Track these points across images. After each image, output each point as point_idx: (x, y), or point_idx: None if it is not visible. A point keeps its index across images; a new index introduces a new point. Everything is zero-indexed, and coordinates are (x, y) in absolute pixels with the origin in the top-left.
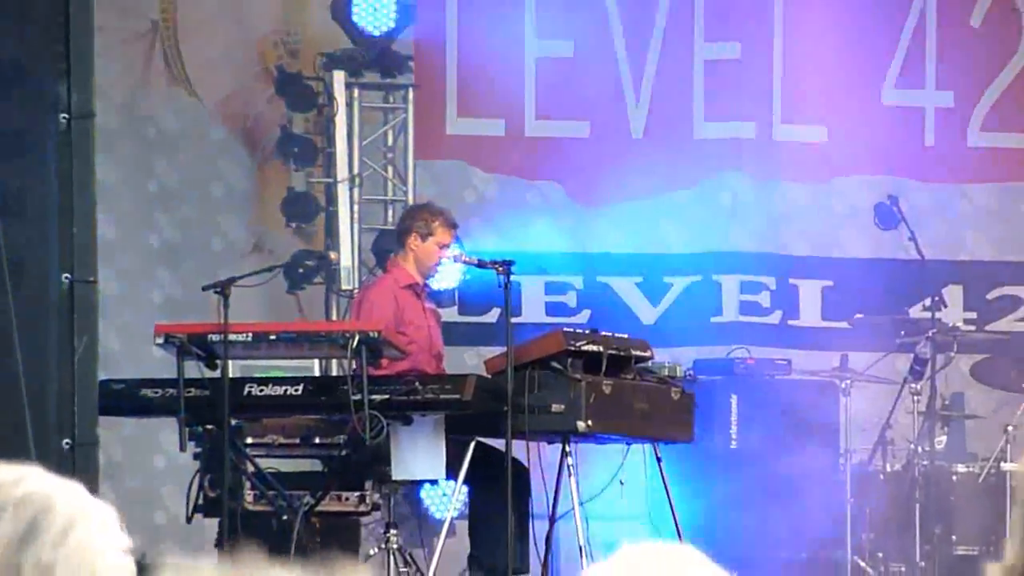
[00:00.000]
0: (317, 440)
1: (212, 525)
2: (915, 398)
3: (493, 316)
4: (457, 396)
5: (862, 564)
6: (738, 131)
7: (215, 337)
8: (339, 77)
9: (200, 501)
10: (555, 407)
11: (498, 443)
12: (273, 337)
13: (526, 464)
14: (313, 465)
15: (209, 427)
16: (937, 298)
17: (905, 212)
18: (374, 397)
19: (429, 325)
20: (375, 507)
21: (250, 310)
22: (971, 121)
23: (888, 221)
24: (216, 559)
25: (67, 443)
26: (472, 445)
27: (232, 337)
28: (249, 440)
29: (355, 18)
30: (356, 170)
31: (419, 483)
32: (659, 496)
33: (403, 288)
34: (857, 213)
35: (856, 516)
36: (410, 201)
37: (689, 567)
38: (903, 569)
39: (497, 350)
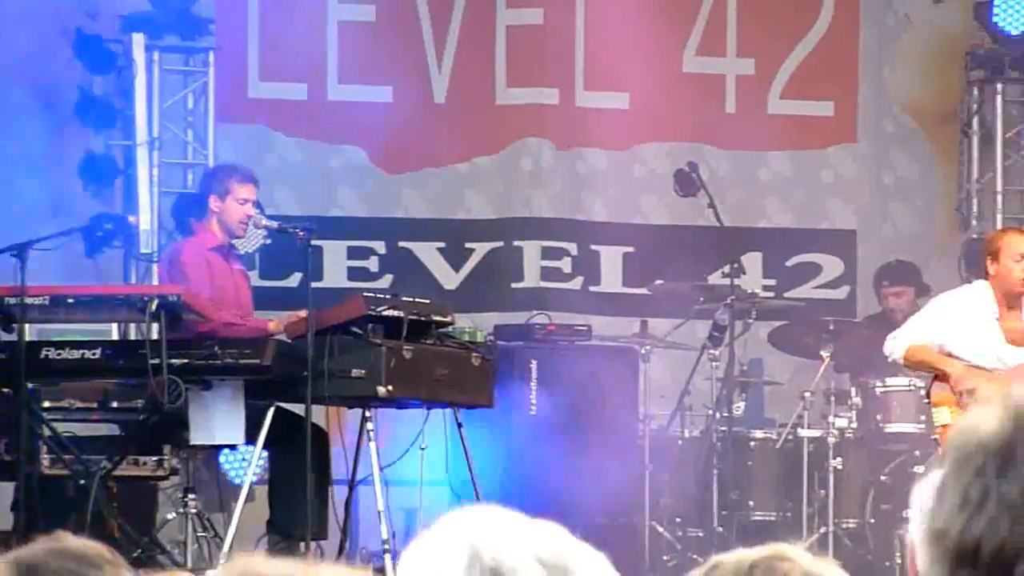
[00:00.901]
0: (115, 404)
1: (8, 489)
2: (714, 364)
3: (294, 281)
4: (257, 361)
5: (660, 529)
6: (540, 97)
7: (12, 300)
8: (139, 39)
9: None
10: (355, 372)
11: (298, 408)
12: (71, 300)
13: (326, 429)
14: (111, 429)
15: (5, 390)
16: (736, 265)
17: (705, 179)
18: (173, 361)
19: (237, 285)
20: (173, 472)
21: (48, 274)
22: (771, 89)
23: (688, 188)
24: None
25: None
26: (272, 410)
27: (29, 300)
28: (46, 404)
29: None
30: (156, 133)
31: (218, 448)
32: (459, 461)
33: (210, 250)
34: (657, 179)
35: (654, 482)
36: (211, 165)
37: (514, 530)
38: (700, 534)
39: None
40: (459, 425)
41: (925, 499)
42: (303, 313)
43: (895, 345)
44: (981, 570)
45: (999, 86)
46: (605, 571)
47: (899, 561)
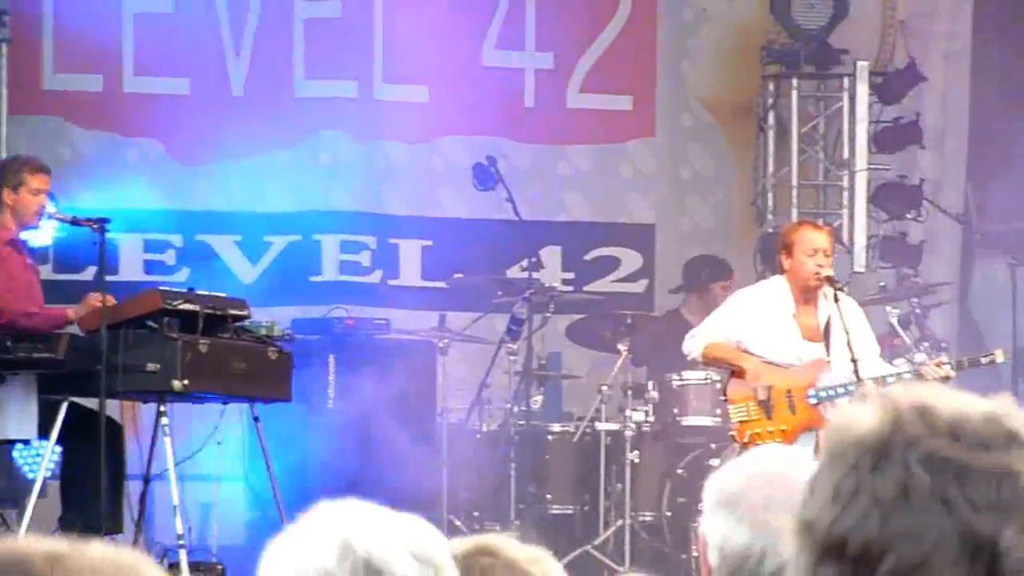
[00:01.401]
0: None
1: None
2: (511, 358)
3: (89, 274)
4: (50, 355)
5: (457, 523)
6: (339, 90)
7: None
8: None
9: None
10: (150, 366)
11: (92, 402)
12: None
13: (121, 423)
14: None
15: None
16: (535, 259)
17: (504, 173)
18: None
19: (30, 281)
20: None
21: None
22: (570, 83)
23: (486, 181)
24: None
25: None
26: (65, 404)
27: None
28: None
29: None
30: None
31: (11, 443)
32: (256, 456)
33: (4, 244)
34: (456, 173)
35: (452, 475)
36: (2, 157)
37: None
38: (498, 528)
39: None
40: (256, 419)
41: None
42: (97, 300)
43: (693, 344)
44: (846, 565)
45: (794, 81)
46: None
47: (695, 554)
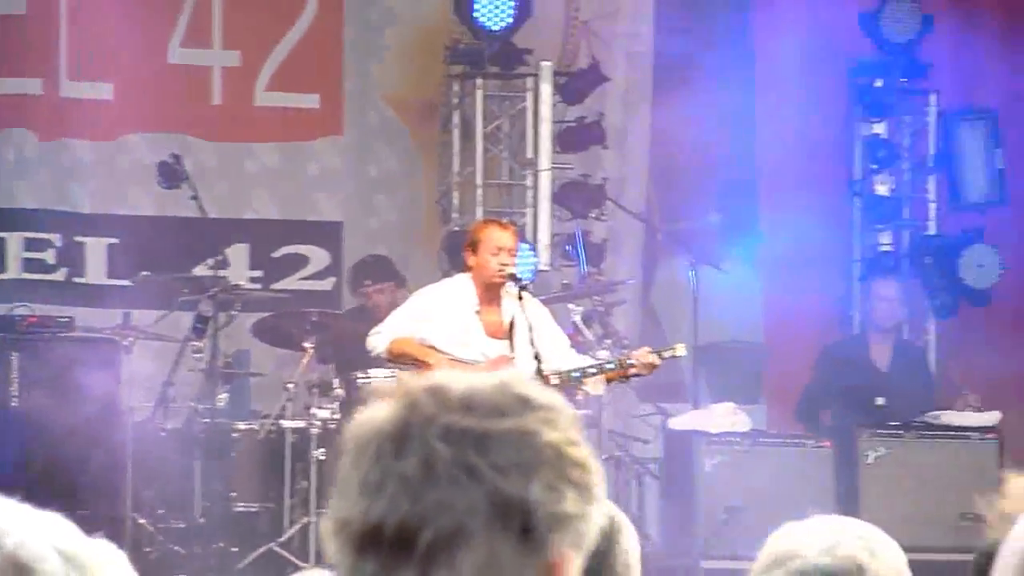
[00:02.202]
0: None
1: None
2: (197, 356)
3: None
4: None
5: (141, 520)
6: (23, 87)
7: None
8: None
9: None
10: None
11: None
12: None
13: None
14: None
15: None
16: (221, 257)
17: (191, 170)
18: None
19: None
20: None
21: None
22: (257, 81)
23: (171, 179)
24: None
25: None
26: None
27: None
28: None
29: None
30: None
31: None
32: None
33: None
34: (143, 171)
35: (137, 473)
36: None
37: None
38: (182, 525)
39: None
40: None
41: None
42: None
43: (378, 340)
44: (385, 550)
45: (479, 81)
46: (121, 565)
47: None
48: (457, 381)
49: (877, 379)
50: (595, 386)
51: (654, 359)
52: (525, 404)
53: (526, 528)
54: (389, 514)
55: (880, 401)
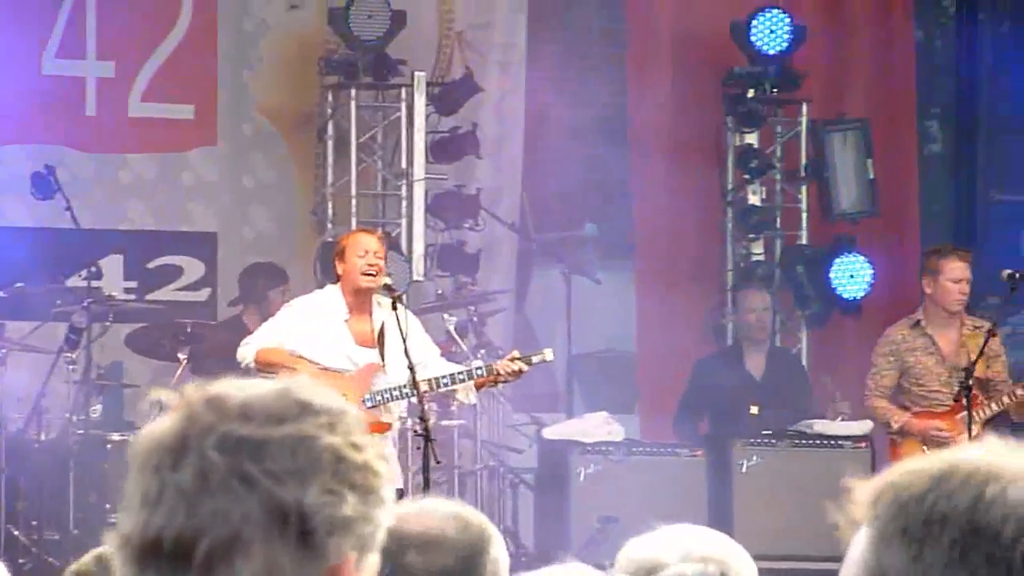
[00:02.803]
0: None
1: None
2: (71, 367)
3: None
4: None
5: (16, 533)
6: None
7: None
8: None
9: None
10: None
11: None
12: None
13: None
14: None
15: None
16: (95, 268)
17: (65, 182)
18: None
19: None
20: None
21: None
22: (132, 91)
23: (45, 190)
24: None
25: None
26: None
27: None
28: None
29: None
30: None
31: None
32: None
33: None
34: (17, 182)
35: (10, 485)
36: None
37: None
38: (57, 537)
39: None
40: None
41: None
42: None
43: (247, 350)
44: (164, 563)
45: (353, 91)
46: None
47: None
48: (237, 390)
49: (752, 388)
50: (466, 394)
51: (521, 365)
52: (304, 409)
53: (304, 533)
54: (167, 526)
55: (754, 410)
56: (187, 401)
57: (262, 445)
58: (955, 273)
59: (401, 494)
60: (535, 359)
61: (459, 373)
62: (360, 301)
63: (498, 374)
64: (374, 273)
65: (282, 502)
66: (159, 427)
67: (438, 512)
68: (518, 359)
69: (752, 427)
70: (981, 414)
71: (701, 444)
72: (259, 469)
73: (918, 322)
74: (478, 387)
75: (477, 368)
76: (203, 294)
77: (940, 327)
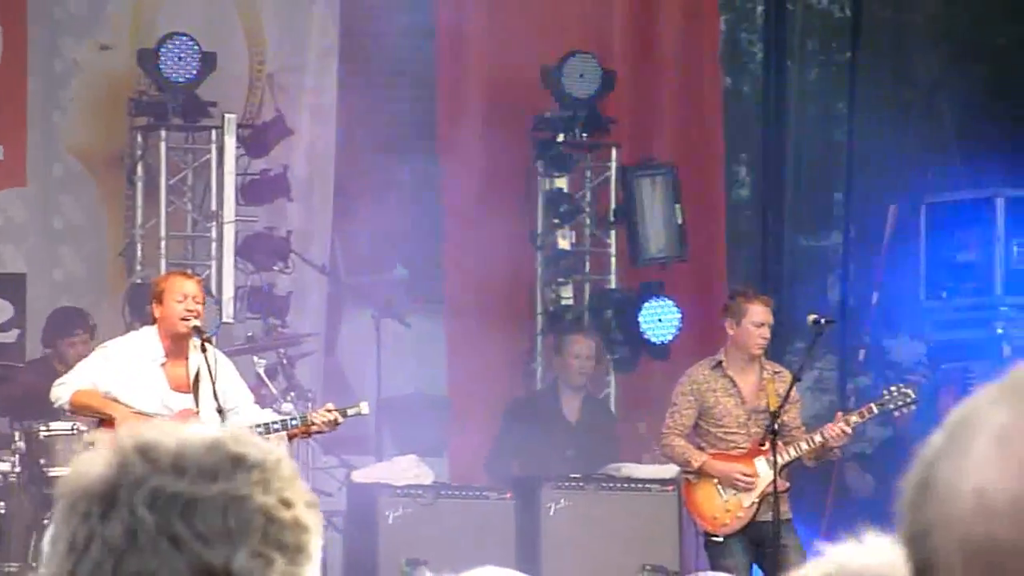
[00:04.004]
0: None
1: None
2: None
3: None
4: None
5: None
6: None
7: None
8: None
9: None
10: None
11: None
12: None
13: None
14: None
15: None
16: None
17: None
18: None
19: None
20: None
21: None
22: None
23: None
24: None
25: None
26: None
27: None
28: None
29: None
30: None
31: None
32: None
33: None
34: None
35: None
36: None
37: None
38: None
39: None
40: None
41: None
42: None
43: (62, 391)
44: None
45: (163, 132)
46: None
47: None
48: (170, 438)
49: (566, 431)
50: (277, 443)
51: (336, 416)
52: (237, 465)
53: None
54: None
55: (570, 452)
56: (119, 446)
57: (192, 504)
58: (757, 317)
59: None
60: (351, 412)
61: (273, 423)
62: (177, 346)
63: (312, 424)
64: (193, 318)
65: (210, 565)
66: (89, 471)
67: None
68: (334, 410)
69: (563, 470)
70: (780, 459)
71: (511, 486)
72: (189, 531)
73: (719, 363)
74: (291, 438)
75: (292, 419)
76: (12, 335)
77: (740, 370)
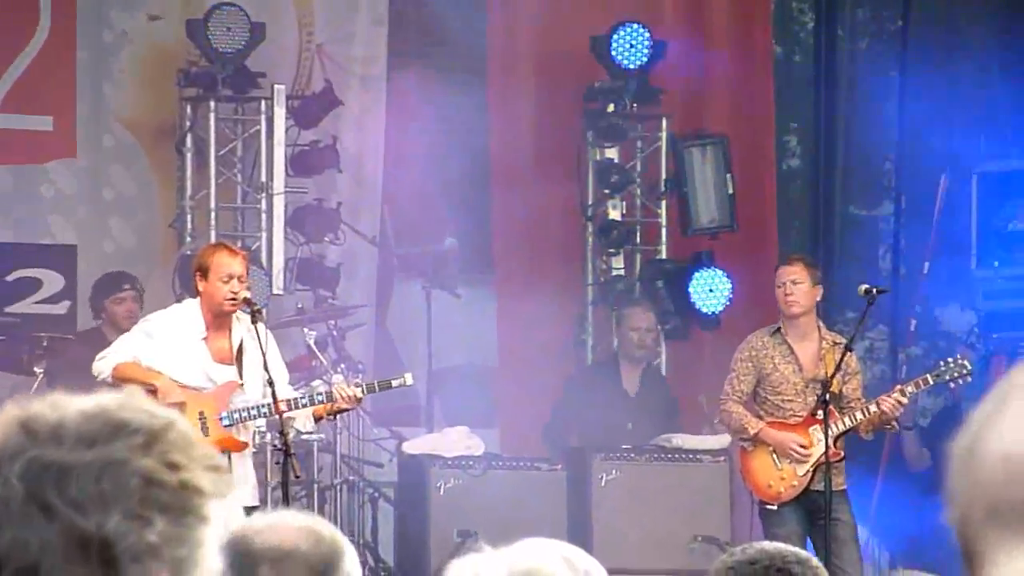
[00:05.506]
0: None
1: None
2: None
3: None
4: None
5: None
6: None
7: None
8: None
9: None
10: None
11: None
12: None
13: None
14: None
15: None
16: None
17: None
18: None
19: None
20: None
21: None
22: None
23: None
24: None
25: None
26: None
27: None
28: None
29: None
30: None
31: None
32: None
33: None
34: None
35: None
36: None
37: None
38: None
39: None
40: None
41: None
42: None
43: (103, 364)
44: None
45: (212, 103)
46: None
47: None
48: (53, 410)
49: (625, 404)
50: (303, 422)
51: (356, 392)
52: (118, 430)
53: (106, 561)
54: None
55: (629, 425)
56: (4, 420)
57: (67, 471)
58: (780, 278)
59: (255, 511)
60: (395, 383)
61: (301, 399)
62: (220, 319)
63: (335, 401)
64: (238, 300)
65: (83, 531)
66: None
67: (290, 526)
68: (360, 384)
69: (617, 441)
70: (834, 429)
71: (562, 458)
72: (60, 497)
73: (778, 329)
74: (317, 418)
75: (318, 395)
76: (62, 307)
77: (799, 338)
